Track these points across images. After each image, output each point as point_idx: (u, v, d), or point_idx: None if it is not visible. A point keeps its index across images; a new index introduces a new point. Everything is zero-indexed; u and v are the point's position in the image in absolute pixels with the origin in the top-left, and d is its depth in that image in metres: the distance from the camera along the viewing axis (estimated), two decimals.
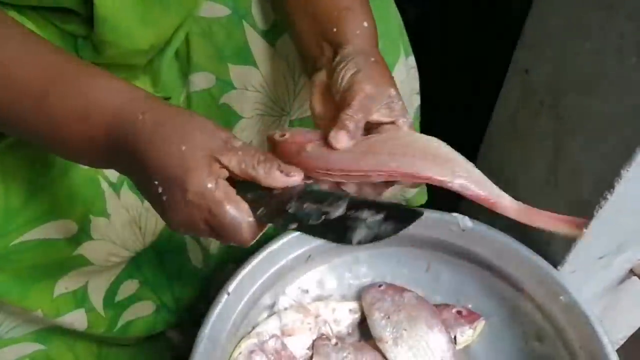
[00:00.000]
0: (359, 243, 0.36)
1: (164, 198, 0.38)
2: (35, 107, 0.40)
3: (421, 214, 0.37)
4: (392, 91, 0.44)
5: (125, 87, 0.41)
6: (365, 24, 0.47)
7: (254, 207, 0.39)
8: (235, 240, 0.39)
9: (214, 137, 0.39)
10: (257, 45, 0.58)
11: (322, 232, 0.37)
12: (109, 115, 0.40)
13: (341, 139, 0.41)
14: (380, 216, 0.36)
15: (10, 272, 0.56)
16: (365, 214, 0.37)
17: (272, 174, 0.39)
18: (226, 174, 0.39)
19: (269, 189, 0.39)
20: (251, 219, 0.39)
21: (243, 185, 0.40)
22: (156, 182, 0.38)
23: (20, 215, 0.54)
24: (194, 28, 0.57)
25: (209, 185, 0.38)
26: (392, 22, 0.62)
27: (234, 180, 0.40)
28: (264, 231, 0.40)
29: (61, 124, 0.40)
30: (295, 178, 0.39)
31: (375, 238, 0.36)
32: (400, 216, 0.37)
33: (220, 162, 0.39)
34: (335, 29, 0.47)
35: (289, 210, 0.38)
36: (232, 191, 0.39)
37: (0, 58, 0.40)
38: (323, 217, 0.37)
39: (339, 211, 0.37)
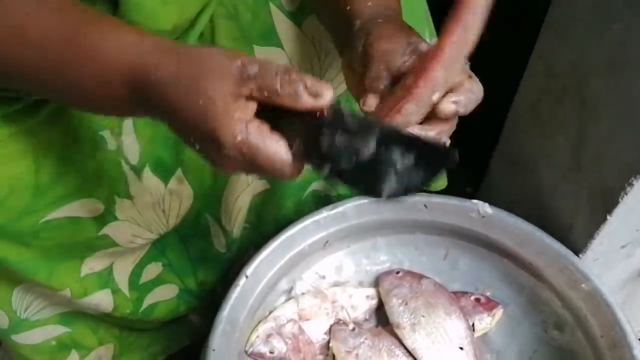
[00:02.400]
0: (389, 197, 0.35)
1: (202, 152, 0.38)
2: (55, 69, 0.40)
3: (454, 159, 0.35)
4: (411, 36, 0.42)
5: (135, 39, 0.39)
6: None
7: (289, 140, 0.37)
8: (283, 176, 0.38)
9: (226, 75, 0.36)
10: (283, 26, 0.58)
11: (354, 180, 0.36)
12: (125, 76, 0.38)
13: (370, 103, 0.41)
14: (411, 159, 0.35)
15: (38, 250, 0.57)
16: (396, 155, 0.35)
17: (299, 97, 0.35)
18: (253, 107, 0.37)
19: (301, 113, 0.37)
20: (289, 155, 0.37)
21: (274, 111, 0.37)
22: (192, 139, 0.38)
23: (49, 193, 0.54)
24: (219, 10, 0.57)
25: (240, 137, 0.35)
26: (418, 5, 0.62)
27: (264, 108, 0.37)
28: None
29: (83, 85, 0.40)
30: (327, 97, 0.36)
31: (406, 192, 0.35)
32: (431, 159, 0.35)
33: (242, 95, 0.36)
34: (348, 7, 0.47)
35: (322, 146, 0.36)
36: (265, 129, 0.36)
37: (15, 20, 0.40)
38: (355, 158, 0.36)
39: (370, 147, 0.36)
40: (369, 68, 0.41)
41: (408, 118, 0.39)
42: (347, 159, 0.36)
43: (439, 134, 0.41)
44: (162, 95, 0.37)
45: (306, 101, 0.35)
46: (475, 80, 0.42)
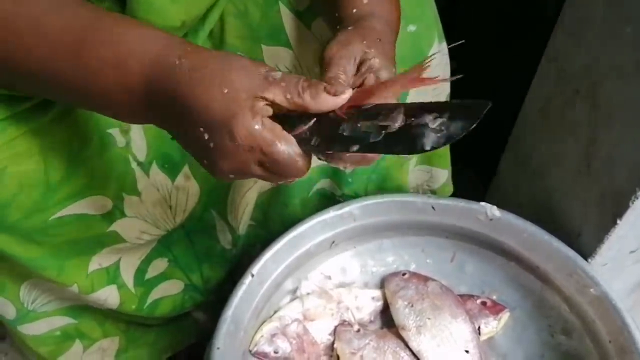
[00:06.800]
0: (433, 148, 0.34)
1: (211, 145, 0.38)
2: (70, 59, 0.40)
3: (487, 104, 0.34)
4: (370, 47, 0.43)
5: (160, 34, 0.40)
6: (365, 0, 0.47)
7: (305, 139, 0.38)
8: (291, 175, 0.40)
9: (254, 75, 0.38)
10: (292, 26, 0.58)
11: (388, 147, 0.36)
12: (146, 63, 0.39)
13: (340, 89, 0.40)
14: (444, 118, 0.34)
15: (48, 247, 0.57)
16: (428, 119, 0.35)
17: (319, 97, 0.38)
18: (269, 111, 0.39)
19: (316, 116, 0.38)
20: (300, 151, 0.39)
21: (285, 118, 0.39)
22: (201, 129, 0.38)
23: (59, 191, 0.55)
24: (228, 8, 0.57)
25: (257, 127, 0.37)
26: (427, 7, 0.61)
27: (275, 116, 0.39)
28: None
29: (97, 74, 0.40)
30: (345, 95, 0.38)
31: (448, 139, 0.34)
32: (465, 113, 0.34)
33: (264, 98, 0.38)
34: (337, 14, 0.48)
35: (344, 134, 0.37)
36: (278, 127, 0.38)
37: (32, 11, 0.40)
38: (383, 132, 0.36)
39: (397, 122, 0.36)
40: (329, 70, 0.42)
41: None
42: (375, 134, 0.36)
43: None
44: (183, 81, 0.38)
45: (326, 99, 0.38)
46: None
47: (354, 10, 0.47)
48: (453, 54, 0.69)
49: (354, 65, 0.42)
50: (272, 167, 0.39)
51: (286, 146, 0.38)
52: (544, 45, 0.69)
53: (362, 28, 0.45)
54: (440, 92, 0.69)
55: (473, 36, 0.96)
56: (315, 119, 0.38)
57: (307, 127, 0.38)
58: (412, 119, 0.35)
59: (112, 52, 0.40)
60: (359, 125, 0.37)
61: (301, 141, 0.39)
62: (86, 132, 0.55)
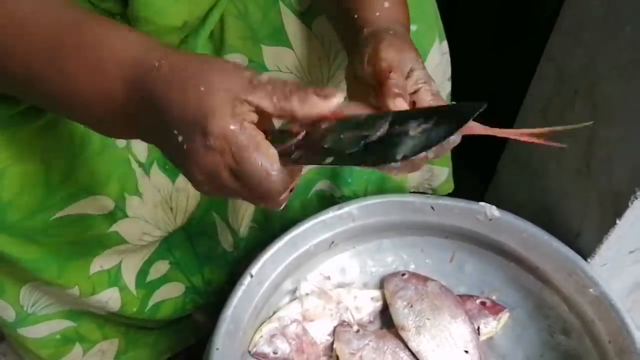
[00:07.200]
0: (405, 157, 0.31)
1: (185, 147, 0.35)
2: (49, 60, 0.38)
3: (481, 106, 0.31)
4: (417, 59, 0.43)
5: (141, 38, 0.38)
6: (387, 4, 0.46)
7: (287, 153, 0.35)
8: (263, 192, 0.35)
9: (235, 77, 0.35)
10: (293, 26, 0.58)
11: (361, 158, 0.33)
12: (125, 67, 0.37)
13: (401, 105, 0.38)
14: (429, 124, 0.31)
15: (49, 248, 0.57)
16: (412, 125, 0.32)
17: (309, 100, 0.34)
18: (254, 117, 0.35)
19: (306, 131, 0.35)
20: (278, 165, 0.35)
21: (278, 138, 0.36)
22: (176, 132, 0.35)
23: (60, 191, 0.55)
24: (229, 8, 0.57)
25: (232, 127, 0.34)
26: (428, 7, 0.62)
27: (266, 133, 0.36)
28: (294, 183, 0.36)
29: (74, 79, 0.38)
30: (335, 99, 0.35)
31: (424, 147, 0.31)
32: (452, 117, 0.32)
33: (248, 103, 0.35)
34: (356, 16, 0.46)
35: (325, 146, 0.34)
36: (260, 135, 0.35)
37: (15, 13, 0.39)
38: (362, 142, 0.33)
39: (380, 131, 0.33)
40: (392, 74, 0.40)
41: None
42: (354, 145, 0.34)
43: None
44: (160, 83, 0.36)
45: (316, 102, 0.34)
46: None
47: (377, 14, 0.45)
48: (452, 54, 0.70)
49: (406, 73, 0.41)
50: (242, 178, 0.35)
51: (261, 155, 0.34)
52: (543, 46, 0.69)
53: (403, 38, 0.43)
54: (440, 92, 0.69)
55: (472, 36, 0.96)
56: (304, 132, 0.35)
57: (295, 141, 0.35)
58: (396, 127, 0.33)
59: (90, 55, 0.38)
60: (342, 136, 0.34)
61: (282, 156, 0.35)
62: (88, 132, 0.55)
